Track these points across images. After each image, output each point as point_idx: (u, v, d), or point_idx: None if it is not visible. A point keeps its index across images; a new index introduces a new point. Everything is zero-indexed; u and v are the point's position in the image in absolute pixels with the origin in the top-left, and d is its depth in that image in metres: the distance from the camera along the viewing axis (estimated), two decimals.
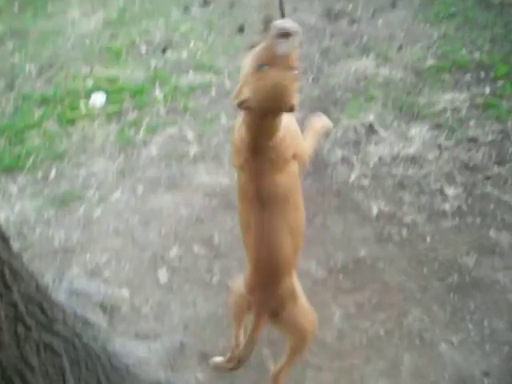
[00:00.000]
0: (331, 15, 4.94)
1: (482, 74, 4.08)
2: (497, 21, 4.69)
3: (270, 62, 1.66)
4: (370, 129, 3.64)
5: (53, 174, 3.52)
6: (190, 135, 3.69)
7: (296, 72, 1.71)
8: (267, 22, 1.60)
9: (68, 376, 1.77)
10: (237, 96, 1.78)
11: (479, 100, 3.83)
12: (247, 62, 1.76)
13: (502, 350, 2.48)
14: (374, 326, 2.58)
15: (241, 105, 1.76)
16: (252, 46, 1.78)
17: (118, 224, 3.17)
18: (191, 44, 4.70)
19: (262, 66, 1.67)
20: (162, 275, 2.88)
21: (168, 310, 2.71)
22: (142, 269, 2.92)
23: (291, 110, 1.76)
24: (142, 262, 2.96)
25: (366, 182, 3.28)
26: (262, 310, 2.00)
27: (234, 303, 2.23)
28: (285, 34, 1.63)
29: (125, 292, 2.82)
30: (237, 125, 1.99)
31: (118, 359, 2.28)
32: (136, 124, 3.85)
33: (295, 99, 1.75)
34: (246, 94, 1.74)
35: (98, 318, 2.60)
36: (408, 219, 3.06)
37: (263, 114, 1.77)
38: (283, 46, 1.64)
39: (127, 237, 3.09)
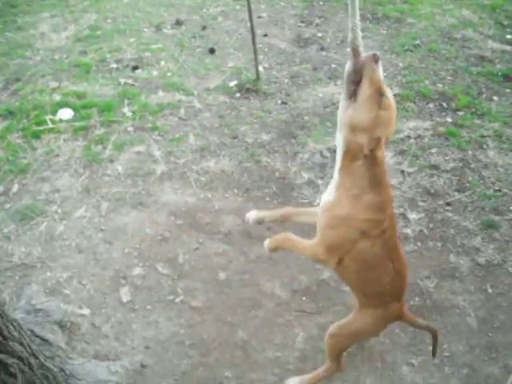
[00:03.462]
0: (301, 41, 5.05)
1: (444, 104, 4.23)
2: (458, 54, 4.87)
3: (382, 90, 1.75)
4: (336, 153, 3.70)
5: (15, 188, 3.45)
6: (158, 154, 3.68)
7: None
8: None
9: None
10: (373, 146, 1.77)
11: (441, 129, 3.96)
12: (362, 109, 1.77)
13: (460, 372, 2.53)
14: None
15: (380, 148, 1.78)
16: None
17: (80, 241, 3.11)
18: (162, 63, 4.71)
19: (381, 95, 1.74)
20: (124, 294, 2.84)
21: (129, 330, 2.66)
22: (104, 287, 2.87)
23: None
24: (103, 280, 2.91)
25: None
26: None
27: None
28: (377, 60, 1.74)
29: (85, 311, 2.76)
30: (342, 210, 1.92)
31: (76, 380, 2.22)
32: (103, 141, 3.81)
33: None
34: (382, 133, 1.77)
35: (57, 337, 2.53)
36: None
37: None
38: (380, 68, 1.75)
39: (90, 254, 3.04)
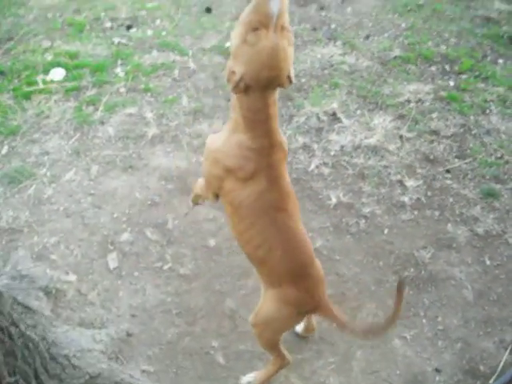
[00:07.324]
0: (300, 0, 4.84)
1: (447, 67, 4.06)
2: (463, 15, 4.66)
3: (262, 24, 1.44)
4: (333, 117, 3.57)
5: (4, 150, 3.36)
6: (150, 116, 3.56)
7: (291, 34, 1.50)
8: None
9: (1, 368, 1.67)
10: (230, 78, 1.54)
11: (443, 93, 3.80)
12: (235, 32, 1.53)
13: (454, 346, 2.48)
14: None
15: (237, 86, 1.52)
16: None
17: (69, 205, 3.04)
18: (157, 22, 4.53)
19: (254, 29, 1.45)
20: (112, 260, 2.78)
21: (116, 297, 2.62)
22: (92, 253, 2.81)
23: (290, 81, 1.54)
24: (91, 245, 2.84)
25: (326, 171, 3.21)
26: (327, 302, 1.91)
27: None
28: None
29: (71, 277, 2.71)
30: (214, 143, 1.73)
31: (59, 349, 2.17)
32: (94, 102, 3.69)
33: (292, 68, 1.54)
34: (240, 70, 1.50)
35: (42, 304, 2.49)
36: (366, 210, 3.02)
37: (263, 89, 1.52)
38: (276, 2, 1.42)
39: (78, 219, 2.97)
